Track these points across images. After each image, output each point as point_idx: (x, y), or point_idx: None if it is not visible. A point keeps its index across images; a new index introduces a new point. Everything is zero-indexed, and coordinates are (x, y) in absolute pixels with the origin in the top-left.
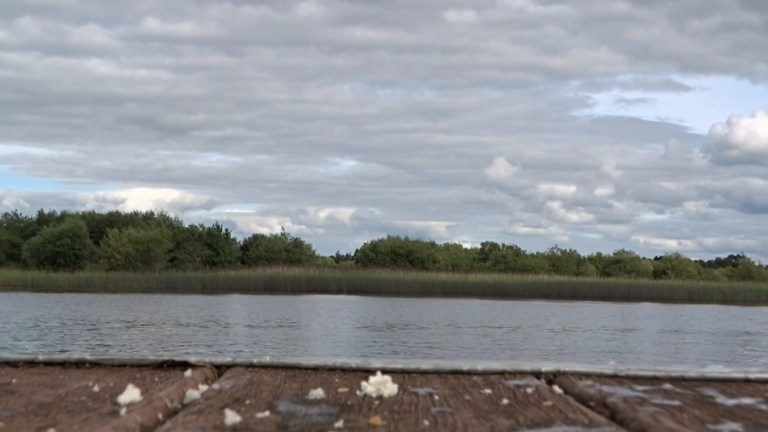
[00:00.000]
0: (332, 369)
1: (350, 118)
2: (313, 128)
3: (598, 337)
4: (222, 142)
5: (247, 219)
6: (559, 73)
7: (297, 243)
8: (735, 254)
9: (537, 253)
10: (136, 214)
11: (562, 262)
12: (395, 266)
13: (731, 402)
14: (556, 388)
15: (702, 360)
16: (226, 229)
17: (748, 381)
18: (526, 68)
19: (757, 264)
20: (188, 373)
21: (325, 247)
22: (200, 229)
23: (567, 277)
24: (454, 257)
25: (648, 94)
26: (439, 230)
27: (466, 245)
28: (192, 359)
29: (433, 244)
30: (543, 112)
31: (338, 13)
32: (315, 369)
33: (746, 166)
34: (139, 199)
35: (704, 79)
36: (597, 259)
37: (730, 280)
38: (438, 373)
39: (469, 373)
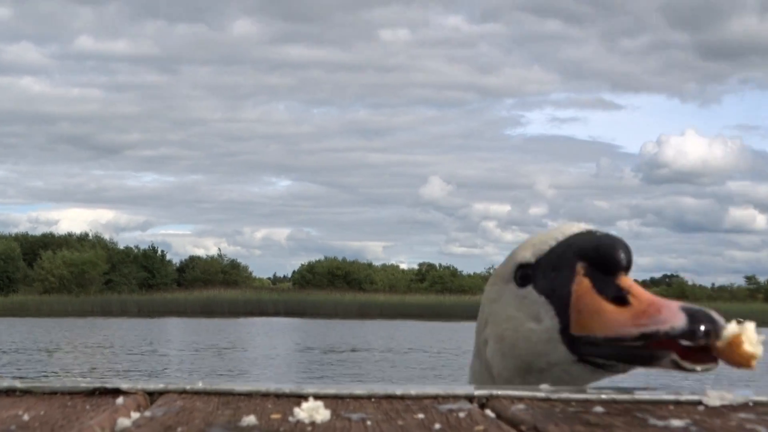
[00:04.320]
0: (266, 395)
1: (285, 137)
2: (248, 147)
3: None
4: (157, 162)
5: (183, 240)
6: (493, 91)
7: (234, 264)
8: (669, 273)
9: (474, 273)
10: (70, 235)
11: None
12: (333, 288)
13: (661, 424)
14: (489, 412)
15: (640, 381)
16: (162, 251)
17: (678, 403)
18: (460, 87)
19: (690, 283)
20: (120, 400)
21: (261, 268)
22: (135, 250)
23: None
24: (391, 278)
25: (580, 113)
26: (375, 250)
27: (403, 266)
28: (124, 386)
29: (370, 265)
30: (477, 131)
31: (273, 31)
32: (248, 395)
33: (677, 185)
34: (73, 220)
35: (635, 98)
36: None
37: None
38: (371, 397)
39: (403, 397)
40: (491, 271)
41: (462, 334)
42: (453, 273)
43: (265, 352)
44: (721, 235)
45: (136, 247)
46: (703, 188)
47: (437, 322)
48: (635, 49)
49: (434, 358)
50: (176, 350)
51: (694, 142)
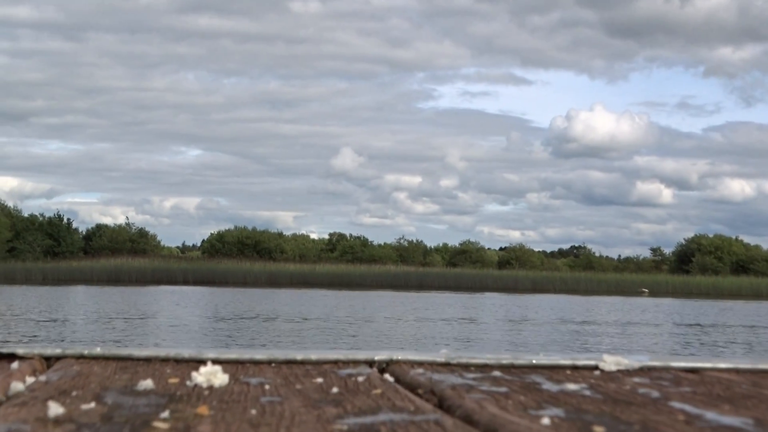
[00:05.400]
0: (165, 360)
1: (195, 107)
2: (156, 116)
3: (442, 327)
4: (62, 130)
5: (90, 208)
6: (404, 65)
7: (142, 233)
8: (576, 245)
9: (384, 243)
10: None
11: (408, 252)
12: (242, 257)
13: (556, 388)
14: (388, 377)
15: (543, 348)
16: (68, 219)
17: (575, 368)
18: (371, 60)
19: (597, 254)
20: (15, 365)
21: (170, 237)
22: (40, 218)
23: (414, 268)
24: (301, 248)
25: (491, 88)
26: (286, 220)
27: (314, 236)
28: (20, 351)
29: (280, 235)
30: (389, 104)
31: (181, 0)
32: (147, 360)
33: (585, 159)
34: None
35: (544, 74)
36: (443, 250)
37: (572, 270)
38: (272, 362)
39: (303, 362)
40: (402, 241)
41: (372, 302)
42: (364, 243)
43: (171, 320)
44: (628, 208)
45: (41, 215)
46: (611, 162)
47: (348, 290)
48: (544, 26)
49: (342, 326)
50: (81, 318)
51: (602, 117)
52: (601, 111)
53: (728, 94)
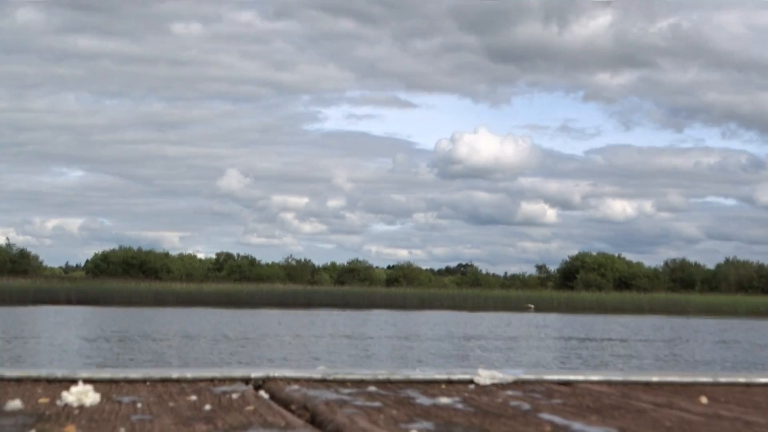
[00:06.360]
0: (36, 380)
1: (76, 128)
2: (37, 137)
3: (328, 344)
4: None
5: None
6: (289, 87)
7: (23, 254)
8: (463, 263)
9: (272, 262)
10: None
11: (297, 271)
12: (128, 276)
13: (429, 402)
14: (263, 393)
15: (429, 363)
16: None
17: (450, 382)
18: (256, 82)
19: (484, 272)
20: None
21: (53, 258)
22: None
23: (302, 286)
24: (188, 267)
25: (376, 110)
26: (172, 241)
27: (201, 255)
28: None
29: (166, 255)
30: (275, 126)
31: (59, 21)
32: (18, 380)
33: (471, 180)
34: None
35: (429, 98)
36: (331, 269)
37: (459, 288)
38: (147, 381)
39: (179, 380)
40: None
41: (259, 320)
42: (251, 262)
43: (51, 340)
44: (514, 228)
45: None
46: (495, 183)
47: (235, 309)
48: (428, 50)
49: (227, 344)
50: None
51: (486, 139)
52: (485, 133)
53: (608, 117)
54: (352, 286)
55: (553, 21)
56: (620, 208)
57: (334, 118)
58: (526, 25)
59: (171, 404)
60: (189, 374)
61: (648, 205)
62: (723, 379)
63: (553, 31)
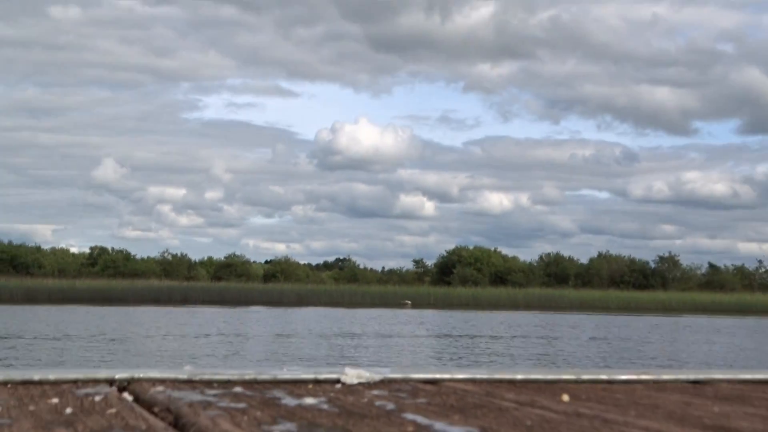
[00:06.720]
0: None
1: None
2: None
3: (203, 342)
4: None
5: None
6: (168, 75)
7: None
8: (341, 257)
9: (148, 257)
10: None
11: (173, 266)
12: None
13: (295, 402)
14: (127, 396)
15: (305, 361)
16: None
17: (318, 382)
18: (134, 69)
19: (362, 267)
20: None
21: None
22: None
23: (178, 282)
24: (61, 262)
25: (257, 99)
26: (44, 234)
27: (74, 249)
28: None
29: (38, 249)
30: (153, 114)
31: None
32: None
33: (350, 172)
34: None
35: (311, 86)
36: (208, 263)
37: (337, 283)
38: (8, 383)
39: (41, 382)
40: (166, 255)
41: (133, 318)
42: (126, 257)
43: None
44: (392, 221)
45: None
46: (375, 175)
47: (110, 306)
48: (310, 39)
49: (100, 344)
50: None
51: (366, 130)
52: (365, 124)
53: (487, 108)
54: (229, 281)
55: (435, 11)
56: (497, 200)
57: (214, 107)
58: (409, 14)
59: (31, 408)
60: (51, 376)
61: (524, 198)
62: (586, 377)
63: (436, 21)
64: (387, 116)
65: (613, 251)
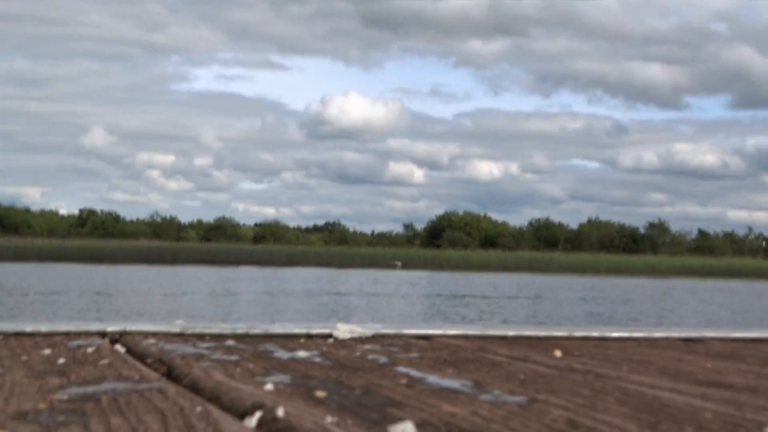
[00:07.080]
0: None
1: None
2: None
3: (194, 300)
4: None
5: None
6: (159, 48)
7: None
8: (330, 221)
9: (137, 219)
10: None
11: (162, 228)
12: None
13: (287, 356)
14: (119, 347)
15: (295, 318)
16: None
17: (309, 336)
18: (125, 42)
19: (351, 230)
20: None
21: None
22: None
23: (168, 243)
24: (50, 223)
25: (247, 72)
26: (33, 196)
27: (63, 211)
28: None
29: (27, 211)
30: (143, 85)
31: None
32: None
33: (340, 141)
34: None
35: (301, 61)
36: (198, 226)
37: (327, 245)
38: (1, 335)
39: (33, 334)
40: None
41: (123, 276)
42: (115, 219)
43: None
44: (382, 187)
45: None
46: (365, 144)
47: (99, 265)
48: (303, 15)
49: (90, 300)
50: None
51: (357, 102)
52: (355, 96)
53: (478, 83)
54: (218, 243)
55: None
56: (486, 169)
57: (204, 79)
58: None
59: (24, 358)
60: (43, 328)
61: (514, 167)
62: (578, 334)
63: (429, 1)
64: (377, 89)
65: (603, 218)
